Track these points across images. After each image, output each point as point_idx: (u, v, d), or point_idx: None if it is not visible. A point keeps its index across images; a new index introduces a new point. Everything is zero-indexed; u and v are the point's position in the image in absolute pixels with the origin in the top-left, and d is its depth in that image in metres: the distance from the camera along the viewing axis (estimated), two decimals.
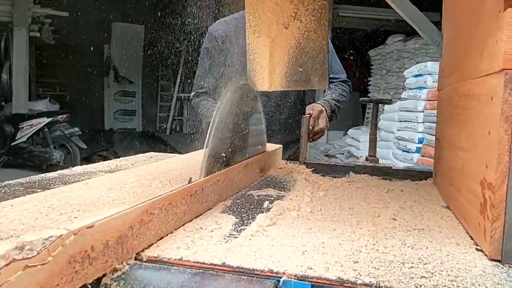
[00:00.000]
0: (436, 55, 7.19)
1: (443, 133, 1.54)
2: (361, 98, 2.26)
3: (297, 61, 1.81)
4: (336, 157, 8.87)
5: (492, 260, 0.85)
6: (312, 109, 2.14)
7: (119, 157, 2.12)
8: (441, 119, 1.61)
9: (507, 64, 0.84)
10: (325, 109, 2.17)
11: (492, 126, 0.89)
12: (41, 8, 9.48)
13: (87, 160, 7.74)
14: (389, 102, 2.09)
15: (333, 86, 2.36)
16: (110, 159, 2.00)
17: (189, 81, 13.37)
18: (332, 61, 2.33)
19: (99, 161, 1.86)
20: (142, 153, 2.30)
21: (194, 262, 0.80)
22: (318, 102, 2.25)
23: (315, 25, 1.78)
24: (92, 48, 12.13)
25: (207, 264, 0.79)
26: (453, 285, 0.73)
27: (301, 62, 1.81)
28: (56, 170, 1.72)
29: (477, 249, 0.92)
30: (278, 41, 1.79)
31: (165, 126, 13.47)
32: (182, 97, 13.56)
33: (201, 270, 0.77)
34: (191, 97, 2.45)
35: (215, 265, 0.79)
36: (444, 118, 1.53)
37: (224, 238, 0.93)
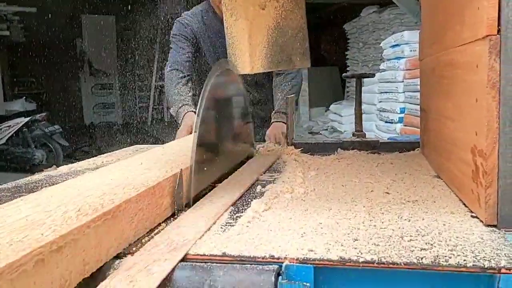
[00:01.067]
0: (411, 24, 7.21)
1: (428, 103, 1.54)
2: (343, 74, 2.25)
3: (276, 42, 1.79)
4: (320, 134, 8.91)
5: (488, 225, 0.87)
6: (275, 133, 2.25)
7: (102, 152, 2.10)
8: (425, 89, 1.62)
9: (490, 30, 0.84)
10: (283, 122, 2.22)
11: (479, 93, 0.89)
12: (7, 6, 9.22)
13: (70, 157, 7.64)
14: (372, 75, 2.09)
15: (284, 85, 2.42)
16: (94, 154, 1.97)
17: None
18: None
19: (82, 157, 1.84)
20: (125, 145, 2.28)
21: (194, 254, 0.80)
22: (276, 120, 2.33)
23: (292, 4, 1.76)
24: (64, 43, 11.90)
25: (207, 255, 0.79)
26: (453, 254, 0.74)
27: (281, 42, 1.79)
28: (39, 170, 1.69)
29: (472, 216, 0.93)
30: (256, 22, 1.76)
31: (145, 116, 13.34)
32: (161, 86, 13.40)
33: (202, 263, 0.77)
34: (165, 71, 2.49)
35: (215, 255, 0.79)
36: (428, 89, 1.54)
37: (221, 227, 0.93)
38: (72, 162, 1.88)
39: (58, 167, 1.73)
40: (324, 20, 7.79)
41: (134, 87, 13.56)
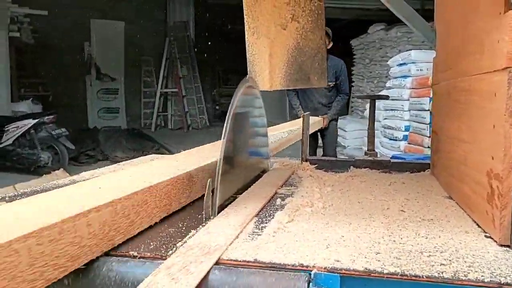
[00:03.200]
0: (418, 43, 7.32)
1: (440, 126, 1.61)
2: (357, 95, 2.32)
3: (296, 61, 1.87)
4: None
5: (502, 245, 0.93)
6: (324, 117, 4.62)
7: (106, 155, 2.19)
8: (438, 112, 1.69)
9: (510, 62, 0.91)
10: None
11: (496, 120, 0.95)
12: (19, 8, 9.32)
13: (74, 159, 7.69)
14: (386, 97, 2.16)
15: (339, 98, 4.78)
16: (98, 158, 2.03)
17: (171, 77, 13.34)
18: (344, 80, 4.76)
19: (87, 161, 1.90)
20: (129, 150, 2.33)
21: (227, 259, 0.86)
22: (326, 113, 4.72)
23: (312, 26, 1.84)
24: (72, 47, 12.01)
25: (240, 261, 0.85)
26: (471, 270, 0.80)
27: (300, 61, 1.87)
28: (46, 172, 1.75)
29: (486, 236, 0.99)
30: (277, 42, 1.84)
31: (150, 123, 13.41)
32: (166, 93, 13.50)
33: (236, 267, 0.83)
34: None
35: (248, 261, 0.84)
36: (441, 112, 1.61)
37: (249, 236, 0.99)
38: (77, 165, 1.93)
39: (64, 169, 1.79)
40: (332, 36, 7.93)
41: (139, 93, 13.65)
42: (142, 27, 12.88)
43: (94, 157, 8.30)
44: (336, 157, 4.77)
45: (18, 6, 9.31)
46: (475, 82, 1.14)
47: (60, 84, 11.79)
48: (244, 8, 1.84)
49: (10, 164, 6.97)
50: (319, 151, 5.02)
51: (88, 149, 8.67)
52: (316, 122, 4.17)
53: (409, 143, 5.77)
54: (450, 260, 0.85)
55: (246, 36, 1.87)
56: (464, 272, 0.79)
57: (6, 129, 7.05)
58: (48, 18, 10.00)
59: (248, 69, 1.88)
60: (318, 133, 4.71)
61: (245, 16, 1.85)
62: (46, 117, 7.07)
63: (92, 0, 11.88)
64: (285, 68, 1.83)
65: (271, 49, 1.83)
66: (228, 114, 1.26)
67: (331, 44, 4.57)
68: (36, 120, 6.93)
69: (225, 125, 1.25)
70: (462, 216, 1.17)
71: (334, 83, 4.60)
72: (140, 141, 10.20)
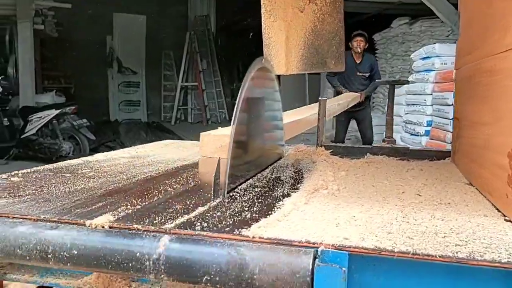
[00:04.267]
0: (442, 37, 7.17)
1: (462, 111, 1.55)
2: (376, 80, 2.27)
3: (313, 44, 1.82)
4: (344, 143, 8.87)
5: None
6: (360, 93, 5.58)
7: (126, 147, 2.20)
8: (460, 98, 1.63)
9: None
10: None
11: None
12: (44, 1, 9.45)
13: (95, 150, 7.77)
14: (406, 82, 2.11)
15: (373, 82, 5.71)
16: (117, 149, 2.05)
17: (191, 71, 13.38)
18: (377, 71, 5.99)
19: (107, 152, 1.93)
20: (147, 142, 2.34)
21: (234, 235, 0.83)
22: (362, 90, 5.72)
23: (330, 8, 1.79)
24: (94, 40, 12.14)
25: (247, 236, 0.82)
26: (488, 251, 0.75)
27: (317, 45, 1.82)
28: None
29: (505, 220, 0.95)
30: (294, 24, 1.80)
31: (170, 116, 13.48)
32: (186, 86, 13.55)
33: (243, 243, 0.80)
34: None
35: (254, 237, 0.82)
36: (463, 97, 1.55)
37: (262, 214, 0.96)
38: None
39: None
40: (354, 29, 7.78)
41: (160, 86, 13.73)
42: (163, 21, 12.94)
43: (113, 148, 8.38)
44: (372, 141, 5.77)
45: None
46: (498, 61, 1.09)
47: (82, 76, 11.94)
48: None
49: (33, 154, 7.09)
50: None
51: (108, 141, 8.77)
52: (355, 98, 5.21)
53: (431, 139, 5.67)
54: (466, 241, 0.80)
55: (262, 19, 1.83)
56: (480, 252, 0.75)
57: (30, 119, 7.18)
58: (71, 11, 10.11)
59: (263, 53, 1.85)
60: (351, 120, 6.00)
61: None
62: (68, 108, 7.18)
63: None
64: (301, 52, 1.79)
65: (288, 32, 1.79)
66: (238, 96, 1.23)
67: (367, 45, 6.00)
68: (58, 111, 7.04)
69: (235, 107, 1.22)
70: (482, 201, 1.12)
71: (369, 74, 5.80)
72: (159, 134, 10.28)
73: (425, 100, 5.76)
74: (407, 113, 6.30)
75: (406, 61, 7.79)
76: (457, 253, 0.75)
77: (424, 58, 5.91)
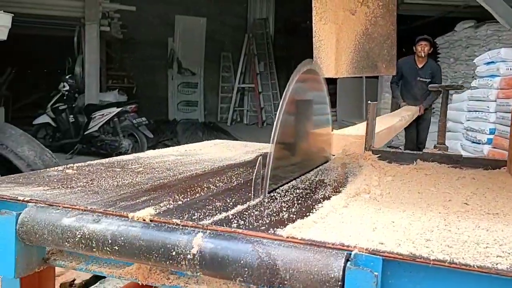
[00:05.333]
0: (510, 41, 6.81)
1: None
2: (430, 85, 2.20)
3: (363, 47, 1.80)
4: (400, 149, 8.64)
5: None
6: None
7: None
8: None
9: None
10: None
11: None
12: (110, 3, 9.89)
13: (153, 148, 8.02)
14: (461, 87, 2.03)
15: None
16: None
17: (248, 73, 13.52)
18: (438, 80, 5.74)
19: None
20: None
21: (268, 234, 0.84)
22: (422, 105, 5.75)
23: (383, 11, 1.76)
24: (156, 41, 12.57)
25: (281, 236, 0.83)
26: None
27: (368, 48, 1.80)
28: None
29: None
30: (345, 27, 1.79)
31: (226, 117, 13.69)
32: (243, 88, 13.70)
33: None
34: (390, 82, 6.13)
35: (289, 237, 0.82)
36: None
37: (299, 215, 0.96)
38: None
39: None
40: (416, 33, 7.57)
41: (217, 87, 13.98)
42: (223, 23, 13.18)
43: (170, 146, 8.62)
44: (425, 145, 5.75)
45: (109, 1, 9.90)
46: None
47: (144, 76, 12.40)
48: None
49: (95, 150, 7.45)
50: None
51: (166, 139, 9.04)
52: (415, 112, 5.34)
53: (493, 147, 5.39)
54: (509, 253, 0.77)
55: (313, 21, 1.83)
56: None
57: (93, 116, 7.54)
58: (136, 13, 10.53)
59: (313, 56, 1.84)
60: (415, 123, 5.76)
61: (313, 1, 1.81)
62: (129, 107, 7.47)
63: None
64: (352, 55, 1.78)
65: (338, 35, 1.78)
66: (283, 98, 1.23)
67: (431, 50, 6.06)
68: (120, 109, 7.33)
69: (279, 109, 1.23)
70: None
71: (429, 80, 5.69)
72: (215, 134, 10.45)
73: (488, 106, 5.48)
74: (468, 120, 6.03)
75: (470, 66, 7.46)
76: (497, 264, 0.72)
77: (488, 63, 5.63)
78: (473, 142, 5.81)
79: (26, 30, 8.93)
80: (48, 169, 1.34)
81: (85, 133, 7.46)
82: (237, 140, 9.36)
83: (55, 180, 1.20)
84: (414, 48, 5.86)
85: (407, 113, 4.54)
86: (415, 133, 5.93)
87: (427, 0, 9.90)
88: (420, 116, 5.73)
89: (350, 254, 0.77)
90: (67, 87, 7.70)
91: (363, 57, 1.77)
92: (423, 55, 5.79)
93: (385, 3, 1.72)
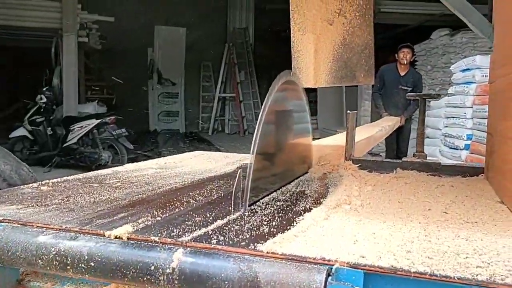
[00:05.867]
0: (484, 48, 6.95)
1: (495, 126, 1.50)
2: (407, 94, 2.23)
3: (342, 57, 1.81)
4: (380, 155, 8.72)
5: None
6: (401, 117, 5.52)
7: (163, 157, 2.26)
8: (493, 112, 1.57)
9: None
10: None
11: None
12: (88, 14, 9.80)
13: (133, 160, 7.94)
14: (438, 96, 2.06)
15: (414, 102, 5.42)
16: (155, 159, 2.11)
17: (229, 82, 13.53)
18: (419, 89, 5.75)
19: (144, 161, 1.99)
20: (185, 152, 2.37)
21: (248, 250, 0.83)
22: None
23: (360, 21, 1.78)
24: (136, 52, 12.51)
25: (264, 252, 0.81)
26: (511, 274, 0.72)
27: (346, 58, 1.81)
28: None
29: None
30: (323, 37, 1.80)
31: (207, 126, 13.64)
32: (224, 97, 13.70)
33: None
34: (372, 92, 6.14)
35: (270, 253, 0.81)
36: (496, 111, 1.50)
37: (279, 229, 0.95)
38: None
39: None
40: (392, 41, 7.69)
41: (198, 97, 13.94)
42: (202, 33, 13.18)
43: (151, 158, 8.54)
44: (406, 153, 5.76)
45: (87, 12, 9.81)
46: None
47: (124, 87, 12.29)
48: (290, 4, 1.82)
49: (74, 162, 7.33)
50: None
51: (146, 150, 8.95)
52: (396, 122, 5.27)
53: (471, 153, 5.47)
54: (488, 263, 0.77)
55: (291, 32, 1.84)
56: (502, 275, 0.71)
57: (71, 128, 7.43)
58: (114, 24, 10.45)
59: (292, 66, 1.85)
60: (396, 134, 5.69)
61: (291, 12, 1.82)
62: (108, 118, 7.38)
63: (156, 7, 12.29)
64: (330, 65, 1.78)
65: (317, 45, 1.79)
66: (262, 108, 1.23)
67: (413, 57, 6.15)
68: (98, 121, 7.24)
69: (258, 119, 1.22)
70: None
71: (411, 88, 5.63)
72: (197, 144, 10.41)
73: (465, 113, 5.58)
74: (446, 126, 6.12)
75: (447, 73, 7.59)
76: (477, 275, 0.72)
77: (464, 70, 5.74)
78: (451, 148, 5.90)
79: (1, 42, 8.80)
80: (22, 186, 1.30)
81: (64, 145, 7.33)
82: (219, 149, 9.36)
83: (29, 197, 1.16)
84: (396, 55, 5.87)
85: (388, 123, 4.56)
86: (395, 144, 5.89)
87: (404, 9, 10.07)
88: (400, 126, 5.71)
89: (331, 268, 0.76)
90: (45, 99, 7.58)
91: (342, 67, 1.78)
92: (405, 62, 5.79)
93: (362, 14, 1.74)
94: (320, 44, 1.79)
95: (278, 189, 1.38)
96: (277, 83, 1.33)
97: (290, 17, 1.83)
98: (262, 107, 1.23)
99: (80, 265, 0.84)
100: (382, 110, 5.83)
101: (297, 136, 1.65)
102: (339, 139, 2.16)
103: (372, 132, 2.37)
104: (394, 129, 5.09)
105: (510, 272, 0.73)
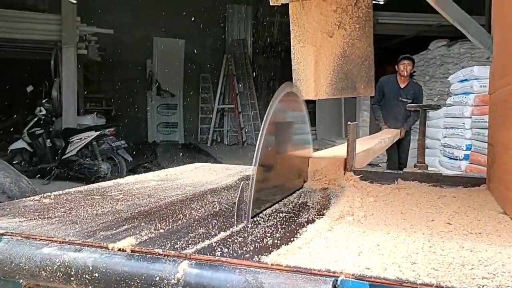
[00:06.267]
0: (482, 59, 7.00)
1: (496, 137, 1.50)
2: (408, 105, 2.24)
3: (342, 69, 1.82)
4: (379, 166, 8.72)
5: None
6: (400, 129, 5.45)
7: (162, 168, 2.27)
8: (494, 123, 1.58)
9: None
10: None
11: None
12: (87, 26, 9.87)
13: (133, 171, 7.94)
14: (438, 107, 2.06)
15: (414, 114, 5.37)
16: (154, 170, 2.12)
17: (227, 93, 13.57)
18: (419, 101, 5.50)
19: (144, 173, 1.99)
20: (184, 164, 2.37)
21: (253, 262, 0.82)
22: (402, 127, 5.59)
23: (360, 33, 1.79)
24: (135, 63, 12.56)
25: (268, 264, 0.81)
26: None
27: (346, 69, 1.82)
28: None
29: None
30: (323, 49, 1.81)
31: (206, 138, 13.66)
32: (223, 109, 13.73)
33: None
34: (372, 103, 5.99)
35: (274, 265, 0.81)
36: (497, 122, 1.50)
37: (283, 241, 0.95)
38: None
39: None
40: (390, 52, 7.75)
41: (197, 108, 13.97)
42: (201, 44, 13.26)
43: (150, 169, 8.54)
44: (406, 164, 5.62)
45: (86, 25, 9.88)
46: None
47: (123, 99, 12.33)
48: (290, 16, 1.83)
49: (73, 174, 7.32)
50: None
51: (145, 162, 8.95)
52: (395, 134, 5.13)
53: (471, 163, 5.49)
54: (494, 274, 0.77)
55: (292, 44, 1.85)
56: (508, 286, 0.71)
57: (70, 140, 7.43)
58: (113, 36, 10.51)
59: (293, 78, 1.86)
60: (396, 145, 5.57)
61: (291, 24, 1.84)
62: (107, 130, 7.39)
63: (155, 18, 12.37)
64: (330, 77, 1.79)
65: (317, 57, 1.80)
66: (264, 120, 1.23)
67: (413, 70, 6.01)
68: (98, 133, 7.25)
69: (260, 132, 1.22)
70: None
71: (411, 101, 5.47)
72: (195, 155, 10.41)
73: (464, 123, 5.60)
74: (445, 137, 6.15)
75: (445, 84, 7.64)
76: (483, 286, 0.72)
77: (462, 81, 5.78)
78: (451, 158, 5.92)
79: (1, 55, 8.83)
80: (24, 199, 1.30)
81: (63, 157, 7.33)
82: (218, 161, 9.35)
83: (31, 210, 1.16)
84: (396, 67, 5.73)
85: (387, 135, 4.39)
86: (397, 154, 5.75)
87: (401, 20, 10.16)
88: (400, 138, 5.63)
89: (337, 280, 0.76)
90: (44, 111, 7.60)
91: (342, 79, 1.79)
92: (405, 74, 5.64)
93: (361, 26, 1.75)
94: (320, 56, 1.80)
95: (280, 200, 1.38)
96: (278, 95, 1.34)
97: (290, 29, 1.84)
98: (264, 120, 1.24)
99: (83, 277, 0.83)
100: (382, 122, 5.73)
101: (298, 147, 1.65)
102: (336, 151, 2.16)
103: (370, 145, 2.37)
104: (394, 141, 4.95)
105: None
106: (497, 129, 1.49)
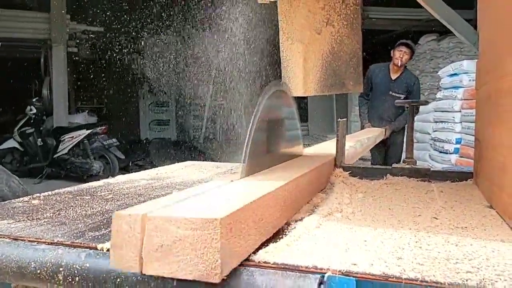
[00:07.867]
0: (471, 53, 7.04)
1: (482, 132, 1.52)
2: (396, 101, 2.26)
3: (330, 66, 1.83)
4: (369, 160, 8.75)
5: None
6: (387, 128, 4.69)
7: (155, 166, 2.28)
8: (480, 118, 1.60)
9: None
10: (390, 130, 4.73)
11: None
12: (77, 24, 9.80)
13: (125, 169, 7.92)
14: (425, 103, 2.08)
15: (406, 112, 4.38)
16: (147, 168, 2.12)
17: (221, 90, 13.54)
18: (415, 96, 4.69)
19: (137, 171, 1.98)
20: (177, 161, 2.37)
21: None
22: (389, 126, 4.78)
23: (348, 30, 1.80)
24: (126, 61, 12.49)
25: (255, 261, 0.82)
26: (500, 279, 0.73)
27: (335, 66, 1.83)
28: (97, 180, 1.79)
29: None
30: (312, 47, 1.81)
31: (198, 135, 13.62)
32: (215, 106, 13.69)
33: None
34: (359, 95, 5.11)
35: (261, 262, 0.82)
36: (483, 117, 1.52)
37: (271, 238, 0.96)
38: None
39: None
40: (380, 47, 7.79)
41: (189, 106, 13.93)
42: (193, 42, 13.20)
43: (143, 167, 8.52)
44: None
45: (76, 23, 9.80)
46: None
47: (114, 97, 12.27)
48: (278, 13, 1.83)
49: (65, 173, 7.29)
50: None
51: (138, 160, 8.93)
52: (378, 134, 4.28)
53: (460, 156, 5.54)
54: (478, 268, 0.78)
55: (280, 41, 1.85)
56: (492, 280, 0.73)
57: (62, 139, 7.40)
58: (104, 34, 10.45)
59: (282, 75, 1.86)
60: (384, 144, 4.74)
61: (279, 21, 1.84)
62: (99, 128, 7.36)
63: (145, 15, 12.29)
64: (319, 74, 1.80)
65: (305, 54, 1.80)
66: (253, 117, 1.24)
67: (410, 59, 4.84)
68: (89, 131, 7.23)
69: (249, 128, 1.23)
70: (501, 225, 1.09)
71: (404, 96, 4.60)
72: (188, 152, 10.39)
73: (453, 117, 5.65)
74: (435, 131, 6.19)
75: (435, 78, 7.68)
76: (467, 280, 0.73)
77: (451, 75, 5.82)
78: (441, 152, 5.96)
79: None
80: (13, 201, 1.30)
81: (54, 156, 7.30)
82: (211, 158, 9.34)
83: (20, 212, 1.16)
84: (392, 52, 4.73)
85: (368, 135, 3.67)
86: (382, 158, 4.84)
87: (391, 15, 10.19)
88: (388, 139, 4.69)
89: (324, 276, 0.77)
90: (34, 110, 7.55)
91: (331, 76, 1.80)
92: (399, 64, 4.64)
93: (349, 23, 1.76)
94: (308, 53, 1.80)
95: None
96: (267, 93, 1.34)
97: (279, 26, 1.85)
98: (253, 117, 1.24)
99: (72, 277, 0.83)
100: (365, 120, 4.83)
101: (288, 144, 1.66)
102: (324, 146, 2.16)
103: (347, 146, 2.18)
104: (376, 143, 4.16)
105: (499, 276, 0.74)
106: (483, 124, 1.51)
